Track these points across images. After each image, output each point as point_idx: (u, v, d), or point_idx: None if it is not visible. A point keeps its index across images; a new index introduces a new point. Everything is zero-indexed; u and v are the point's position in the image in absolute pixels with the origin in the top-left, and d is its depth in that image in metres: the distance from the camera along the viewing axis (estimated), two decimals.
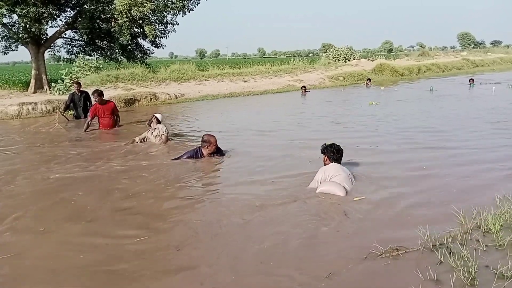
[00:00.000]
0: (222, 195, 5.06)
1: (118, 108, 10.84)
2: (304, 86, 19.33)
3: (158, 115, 8.47)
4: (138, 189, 5.30)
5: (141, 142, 8.11)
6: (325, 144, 5.42)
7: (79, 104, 11.72)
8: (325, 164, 5.37)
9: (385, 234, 3.77)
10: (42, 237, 3.99)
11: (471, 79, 20.55)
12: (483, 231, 3.74)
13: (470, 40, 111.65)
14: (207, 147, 6.66)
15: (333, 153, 5.27)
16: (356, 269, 3.21)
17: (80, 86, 11.91)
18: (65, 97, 13.15)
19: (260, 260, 3.38)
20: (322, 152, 5.40)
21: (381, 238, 3.62)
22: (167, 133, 8.12)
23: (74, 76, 18.04)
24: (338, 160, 5.30)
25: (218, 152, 6.81)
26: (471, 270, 3.02)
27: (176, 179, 5.73)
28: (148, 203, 4.84)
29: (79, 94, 11.67)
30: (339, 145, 5.37)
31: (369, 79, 22.30)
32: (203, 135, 6.84)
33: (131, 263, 3.40)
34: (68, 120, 11.51)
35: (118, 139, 8.74)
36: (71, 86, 14.97)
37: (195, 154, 6.72)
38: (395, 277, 3.08)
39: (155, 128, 8.13)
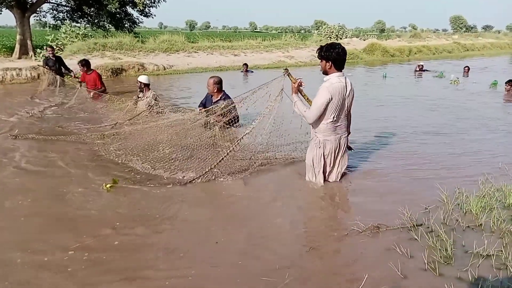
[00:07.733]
0: None
1: (104, 77, 10.52)
2: (245, 64, 16.49)
3: (144, 79, 7.99)
4: None
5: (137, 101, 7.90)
6: (322, 46, 4.08)
7: (54, 68, 11.37)
8: (327, 73, 4.06)
9: (367, 212, 3.81)
10: None
11: (420, 65, 17.55)
12: (464, 211, 3.80)
13: (462, 23, 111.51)
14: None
15: (338, 55, 3.96)
16: (336, 244, 3.26)
17: (54, 50, 11.57)
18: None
19: (243, 233, 3.41)
20: (322, 58, 4.04)
21: (364, 216, 3.66)
22: (156, 103, 7.78)
23: (60, 43, 17.60)
24: (343, 66, 4.06)
25: (226, 97, 6.20)
26: (448, 248, 3.07)
27: None
28: None
29: (54, 58, 11.33)
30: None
31: None
32: None
33: None
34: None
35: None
36: (45, 52, 14.39)
37: (206, 98, 6.67)
38: (374, 253, 3.12)
39: (146, 97, 7.85)
